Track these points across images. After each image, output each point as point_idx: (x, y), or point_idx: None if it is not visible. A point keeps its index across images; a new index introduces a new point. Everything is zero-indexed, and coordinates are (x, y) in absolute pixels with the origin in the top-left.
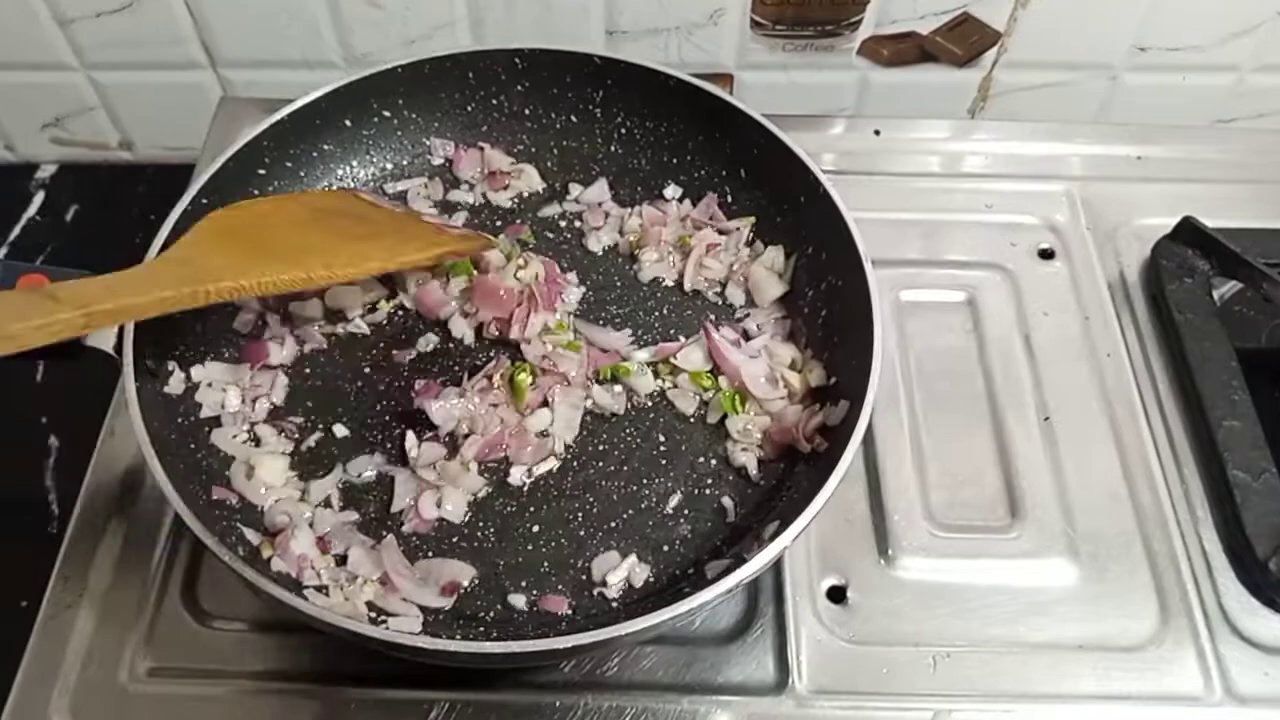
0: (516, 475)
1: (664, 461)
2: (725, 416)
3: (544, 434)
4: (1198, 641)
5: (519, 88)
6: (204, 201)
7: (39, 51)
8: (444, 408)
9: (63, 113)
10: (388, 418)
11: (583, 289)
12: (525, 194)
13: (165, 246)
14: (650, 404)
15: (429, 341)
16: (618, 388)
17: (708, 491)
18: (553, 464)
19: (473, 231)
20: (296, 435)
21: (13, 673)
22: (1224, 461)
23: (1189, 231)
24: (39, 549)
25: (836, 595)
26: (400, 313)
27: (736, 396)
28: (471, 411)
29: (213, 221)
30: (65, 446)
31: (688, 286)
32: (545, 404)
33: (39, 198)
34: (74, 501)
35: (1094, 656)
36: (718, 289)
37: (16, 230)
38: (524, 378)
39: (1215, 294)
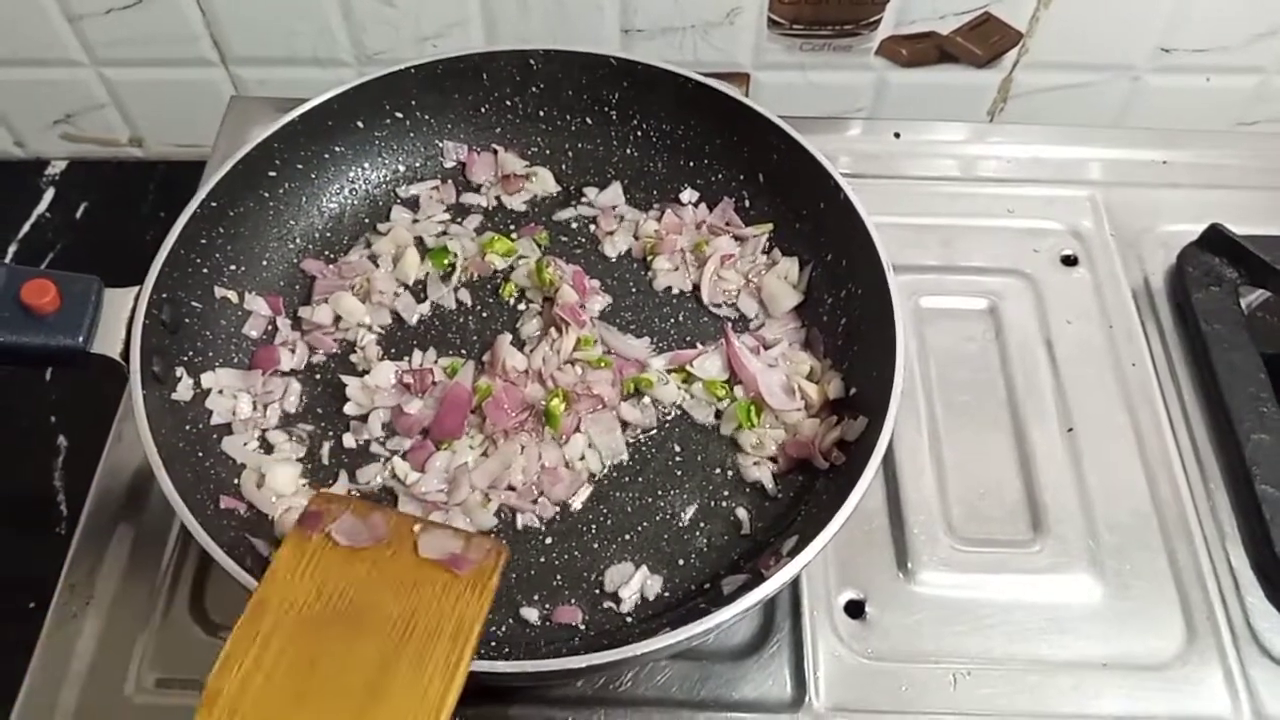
0: (528, 518)
1: (679, 473)
2: (739, 428)
3: (572, 464)
4: (1225, 661)
5: (533, 89)
6: (212, 205)
7: (48, 48)
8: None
9: (73, 109)
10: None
11: (608, 297)
12: (539, 197)
13: (172, 254)
14: (666, 414)
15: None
16: (645, 400)
17: (724, 504)
18: (588, 491)
19: (479, 540)
20: (308, 442)
21: (19, 679)
22: (1252, 476)
23: (1216, 239)
24: (46, 549)
25: (855, 610)
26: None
27: (752, 407)
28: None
29: None
30: (74, 446)
31: (706, 300)
32: (578, 429)
33: (49, 194)
34: (82, 502)
35: (1118, 675)
36: (733, 299)
37: (26, 227)
38: (557, 403)
39: (1243, 303)
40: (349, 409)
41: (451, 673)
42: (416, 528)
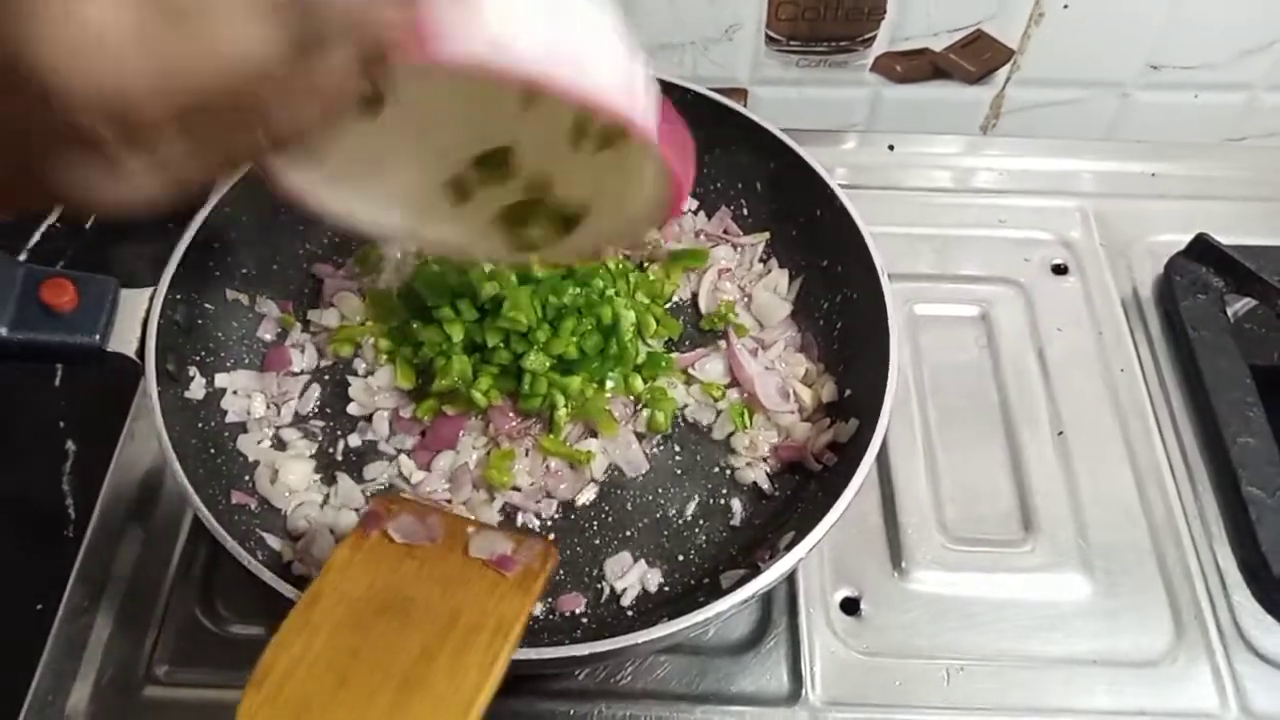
0: (529, 516)
1: (680, 472)
2: (732, 431)
3: (577, 466)
4: (1213, 658)
5: None
6: (225, 210)
7: None
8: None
9: None
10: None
11: None
12: None
13: (185, 257)
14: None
15: None
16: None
17: (723, 501)
18: (593, 492)
19: (530, 543)
20: (320, 439)
21: (29, 676)
22: (1238, 478)
23: (1203, 248)
24: (53, 552)
25: (850, 607)
26: None
27: (746, 410)
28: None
29: None
30: (82, 451)
31: (704, 310)
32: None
33: None
34: (90, 505)
35: (1108, 672)
36: (727, 313)
37: (37, 236)
38: (562, 413)
39: (1229, 311)
40: (352, 409)
41: (489, 666)
42: (470, 529)
